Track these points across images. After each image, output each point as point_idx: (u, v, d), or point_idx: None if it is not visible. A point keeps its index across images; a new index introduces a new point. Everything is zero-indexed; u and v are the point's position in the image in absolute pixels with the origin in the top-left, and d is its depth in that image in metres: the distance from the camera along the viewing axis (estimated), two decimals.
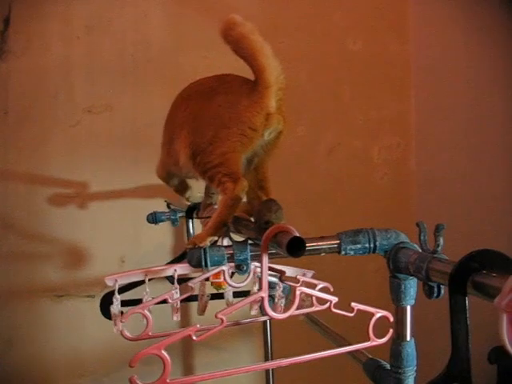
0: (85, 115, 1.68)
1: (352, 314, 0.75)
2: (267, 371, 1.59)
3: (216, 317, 0.69)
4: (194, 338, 0.66)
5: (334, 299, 0.77)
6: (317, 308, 0.82)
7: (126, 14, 1.71)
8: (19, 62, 1.63)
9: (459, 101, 1.67)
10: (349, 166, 1.89)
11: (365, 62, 1.89)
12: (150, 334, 0.92)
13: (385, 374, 0.82)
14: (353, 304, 0.75)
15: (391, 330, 0.77)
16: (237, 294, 1.18)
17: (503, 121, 1.50)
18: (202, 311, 1.23)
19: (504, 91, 1.49)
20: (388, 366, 0.81)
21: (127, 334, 0.94)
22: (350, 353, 0.88)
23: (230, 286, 1.03)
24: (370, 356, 0.89)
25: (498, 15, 1.50)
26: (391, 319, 0.76)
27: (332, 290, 0.84)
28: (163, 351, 0.64)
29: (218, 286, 1.28)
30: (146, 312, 0.93)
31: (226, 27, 0.85)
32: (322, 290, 0.81)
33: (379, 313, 0.76)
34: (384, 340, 0.78)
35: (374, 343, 0.77)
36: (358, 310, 0.76)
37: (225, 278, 1.05)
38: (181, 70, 1.73)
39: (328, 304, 0.78)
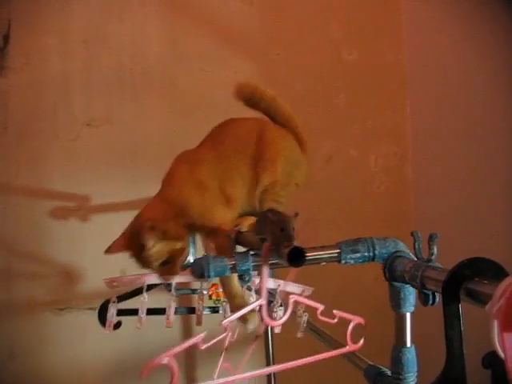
0: (84, 129, 1.69)
1: (334, 321, 0.78)
2: (269, 377, 1.59)
3: (221, 325, 0.71)
4: (203, 347, 0.68)
5: (321, 306, 0.79)
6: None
7: (123, 28, 1.73)
8: (19, 78, 1.65)
9: (455, 109, 1.69)
10: (346, 175, 1.90)
11: (360, 72, 1.91)
12: None
13: (386, 381, 0.82)
14: (334, 311, 0.79)
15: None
16: None
17: (499, 129, 1.51)
18: (199, 322, 1.26)
19: (500, 99, 1.50)
20: (389, 373, 0.82)
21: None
22: (350, 360, 0.91)
23: None
24: (371, 363, 0.90)
25: (493, 24, 1.51)
26: (363, 323, 0.80)
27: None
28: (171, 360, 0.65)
29: (217, 297, 1.31)
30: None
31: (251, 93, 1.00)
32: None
33: (355, 320, 0.80)
34: (358, 345, 0.82)
35: (351, 349, 0.81)
36: (340, 316, 0.80)
37: None
38: (178, 83, 1.75)
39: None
